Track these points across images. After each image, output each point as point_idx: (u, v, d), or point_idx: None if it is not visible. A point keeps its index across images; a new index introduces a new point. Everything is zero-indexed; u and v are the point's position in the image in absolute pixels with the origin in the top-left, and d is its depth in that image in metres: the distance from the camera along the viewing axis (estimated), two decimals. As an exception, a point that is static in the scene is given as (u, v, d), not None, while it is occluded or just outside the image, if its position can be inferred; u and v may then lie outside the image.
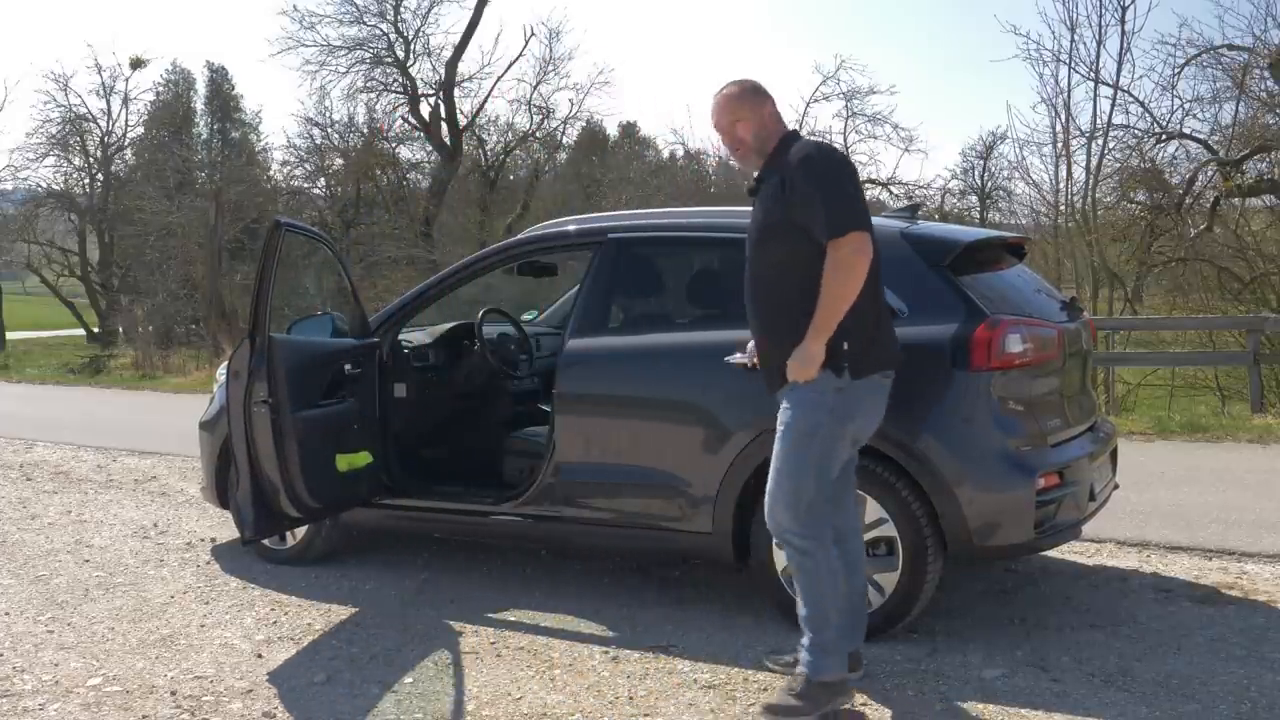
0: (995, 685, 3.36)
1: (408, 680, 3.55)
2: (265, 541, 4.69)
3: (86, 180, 32.30)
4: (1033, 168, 35.31)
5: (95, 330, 31.23)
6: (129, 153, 32.93)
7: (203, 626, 4.13)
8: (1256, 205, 16.18)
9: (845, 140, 22.63)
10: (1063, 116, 16.99)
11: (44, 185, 31.42)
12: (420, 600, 4.41)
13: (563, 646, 3.83)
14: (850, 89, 22.26)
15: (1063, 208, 17.54)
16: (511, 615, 4.18)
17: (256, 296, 4.05)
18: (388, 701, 3.38)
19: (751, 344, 3.57)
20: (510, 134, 24.93)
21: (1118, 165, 16.76)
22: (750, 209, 3.40)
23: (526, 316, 5.94)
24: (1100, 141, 16.65)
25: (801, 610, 3.17)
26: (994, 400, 3.61)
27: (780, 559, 3.80)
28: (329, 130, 24.99)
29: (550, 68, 23.89)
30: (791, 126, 3.32)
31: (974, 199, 31.09)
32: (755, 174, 3.29)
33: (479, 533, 4.69)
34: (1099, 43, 16.52)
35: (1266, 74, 15.36)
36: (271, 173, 29.52)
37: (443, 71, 23.24)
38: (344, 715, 3.29)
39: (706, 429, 3.92)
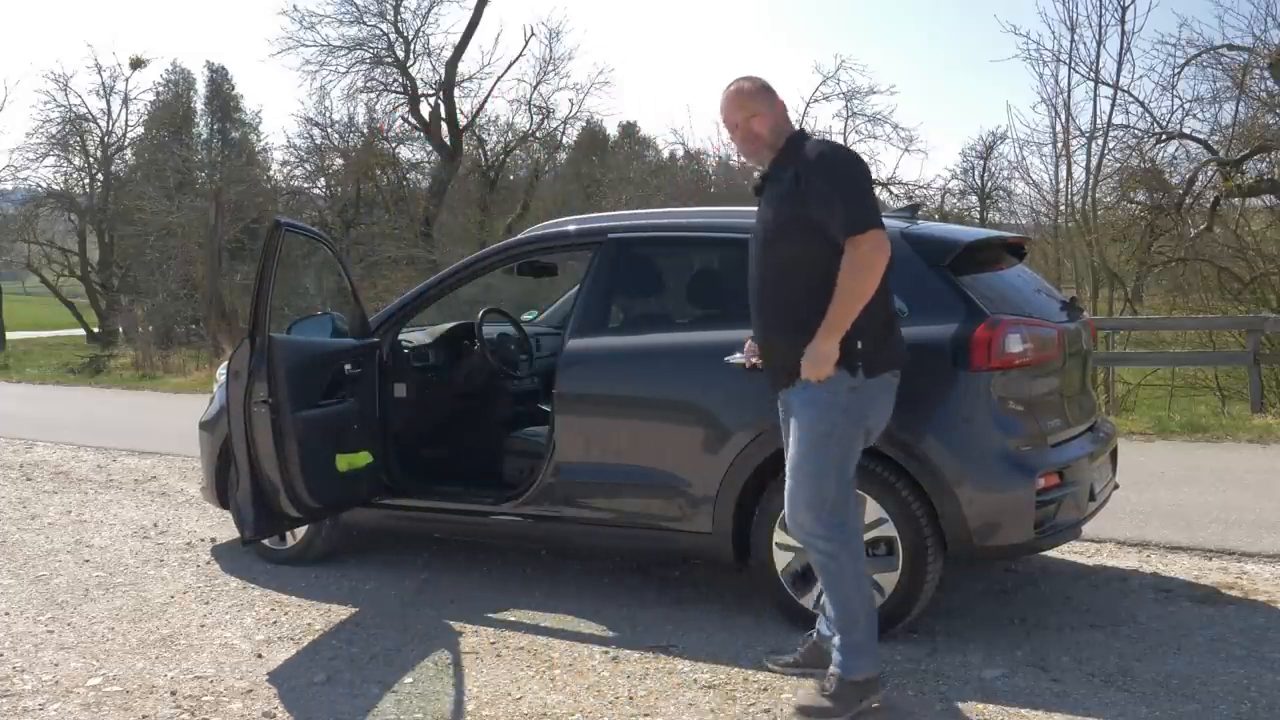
0: (995, 685, 3.36)
1: (408, 680, 3.55)
2: (265, 541, 4.69)
3: (86, 180, 32.32)
4: (1033, 168, 35.36)
5: (95, 330, 31.23)
6: (129, 153, 32.95)
7: (203, 626, 4.13)
8: (1256, 205, 16.19)
9: (845, 140, 22.61)
10: (1063, 116, 17.02)
11: (44, 185, 31.48)
12: (420, 600, 4.41)
13: (563, 646, 3.83)
14: (850, 89, 22.29)
15: (1063, 208, 17.56)
16: (511, 615, 4.18)
17: (256, 296, 4.05)
18: (388, 701, 3.38)
19: (750, 343, 3.57)
20: (510, 134, 24.96)
21: (1118, 165, 16.78)
22: (750, 208, 3.40)
23: (526, 316, 5.94)
24: (1100, 141, 16.67)
25: (829, 610, 3.19)
26: (994, 400, 3.61)
27: (780, 559, 3.81)
28: (329, 130, 25.03)
29: (550, 68, 23.92)
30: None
31: (974, 199, 31.12)
32: (761, 171, 3.28)
33: (479, 533, 4.69)
34: (1099, 43, 16.54)
35: (1266, 74, 15.35)
36: (271, 173, 29.56)
37: (443, 71, 23.26)
38: (344, 715, 3.29)
39: (706, 429, 3.92)
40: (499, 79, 24.13)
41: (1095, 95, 16.72)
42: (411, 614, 4.23)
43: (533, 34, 24.64)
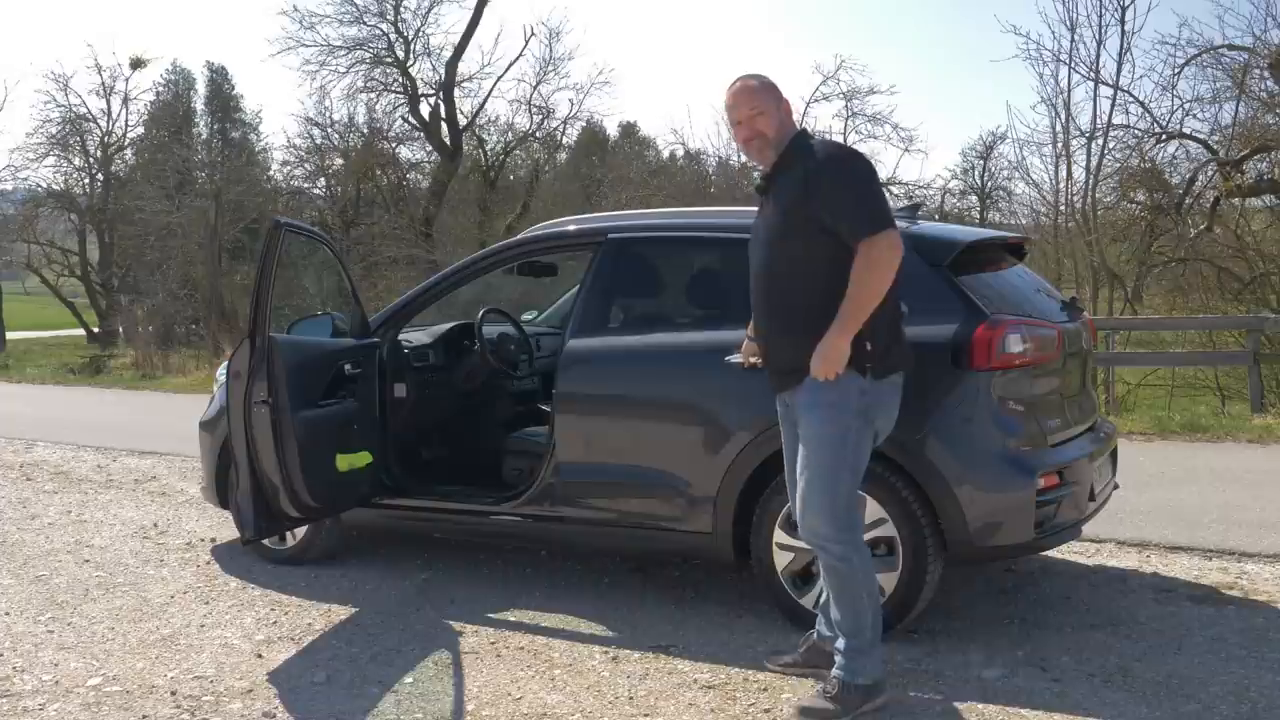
0: (995, 685, 3.36)
1: (408, 680, 3.55)
2: (265, 541, 4.69)
3: (86, 180, 32.30)
4: (1033, 168, 35.35)
5: (95, 330, 31.22)
6: (129, 153, 32.94)
7: (203, 626, 4.13)
8: (1256, 205, 16.18)
9: (845, 140, 22.61)
10: (1063, 116, 17.01)
11: (44, 185, 31.45)
12: (420, 600, 4.41)
13: (563, 646, 3.83)
14: (850, 89, 22.21)
15: (1063, 208, 17.56)
16: (511, 615, 4.18)
17: (256, 296, 4.06)
18: (388, 701, 3.38)
19: (747, 343, 3.57)
20: (510, 134, 24.93)
21: (1118, 165, 16.77)
22: (750, 208, 3.39)
23: (526, 316, 5.94)
24: (1100, 141, 16.66)
25: (835, 615, 3.19)
26: (994, 400, 3.61)
27: (781, 559, 3.81)
28: (329, 130, 25.00)
29: (550, 68, 23.87)
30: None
31: (974, 199, 31.11)
32: (764, 171, 3.26)
33: (479, 533, 4.69)
34: (1099, 43, 16.53)
35: (1266, 74, 15.35)
36: (271, 173, 29.55)
37: (443, 71, 23.22)
38: (344, 715, 3.29)
39: (706, 429, 3.92)
40: (499, 79, 24.15)
41: (1095, 95, 16.74)
42: (411, 614, 4.23)
43: (533, 34, 24.56)
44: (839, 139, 21.96)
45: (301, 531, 4.82)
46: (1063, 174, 17.34)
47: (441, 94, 23.18)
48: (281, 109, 72.65)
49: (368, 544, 5.11)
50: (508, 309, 5.45)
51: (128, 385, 15.82)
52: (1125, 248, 16.90)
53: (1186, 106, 16.30)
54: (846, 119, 22.39)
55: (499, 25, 60.57)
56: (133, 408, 12.56)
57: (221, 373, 5.14)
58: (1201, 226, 15.66)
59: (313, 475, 4.17)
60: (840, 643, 3.16)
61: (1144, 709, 3.16)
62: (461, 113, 23.51)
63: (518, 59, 31.37)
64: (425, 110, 23.59)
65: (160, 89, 34.27)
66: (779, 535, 3.78)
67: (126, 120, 32.54)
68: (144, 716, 3.30)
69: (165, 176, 26.58)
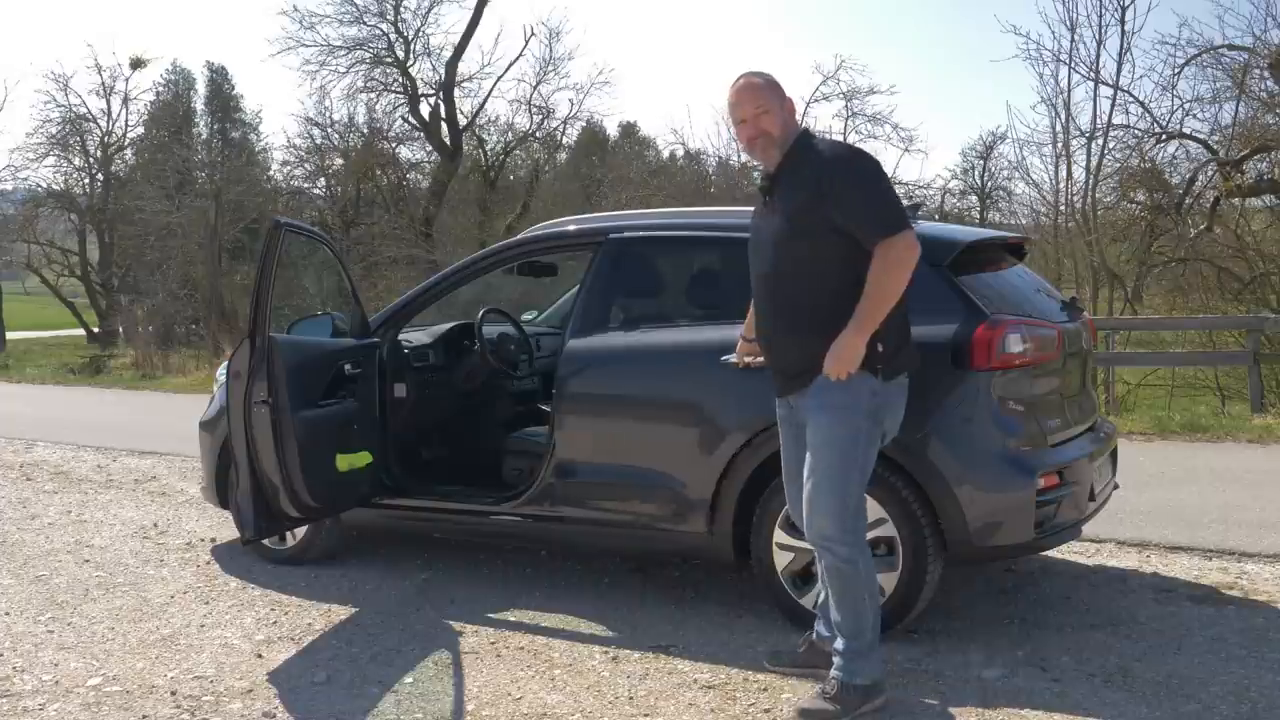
0: (995, 685, 3.36)
1: (408, 680, 3.55)
2: (265, 541, 4.69)
3: (86, 180, 32.31)
4: (1033, 168, 35.31)
5: (95, 330, 31.23)
6: (129, 153, 32.94)
7: (203, 626, 4.13)
8: (1256, 205, 16.18)
9: (845, 141, 22.60)
10: (1063, 116, 17.00)
11: (44, 185, 31.46)
12: (420, 600, 4.41)
13: (563, 646, 3.83)
14: (850, 89, 22.19)
15: (1063, 208, 17.55)
16: (511, 615, 4.18)
17: (256, 296, 4.06)
18: (388, 701, 3.38)
19: (743, 343, 3.57)
20: (510, 134, 24.93)
21: (1118, 165, 16.76)
22: (748, 208, 3.37)
23: (526, 316, 5.94)
24: (1100, 141, 16.65)
25: (835, 616, 3.18)
26: (994, 400, 3.61)
27: (781, 559, 3.81)
28: (329, 130, 25.00)
29: (550, 68, 23.88)
30: None
31: (974, 199, 31.13)
32: (767, 170, 3.20)
33: (479, 533, 4.69)
34: (1099, 43, 16.51)
35: (1266, 74, 15.35)
36: (271, 173, 29.55)
37: (443, 71, 23.23)
38: (344, 715, 3.29)
39: (707, 429, 3.92)
40: (499, 79, 24.16)
41: (1095, 95, 16.73)
42: (411, 614, 4.23)
43: (533, 34, 24.57)
44: (839, 139, 21.98)
45: (301, 531, 4.82)
46: (1063, 174, 17.35)
47: (441, 94, 23.18)
48: (281, 109, 72.74)
49: (368, 544, 5.11)
50: (508, 309, 5.45)
51: (128, 385, 15.82)
52: (1125, 248, 16.89)
53: (1186, 106, 16.32)
54: (846, 119, 22.39)
55: (499, 25, 60.70)
56: (133, 408, 12.56)
57: (221, 373, 5.14)
58: (1201, 226, 15.66)
59: (313, 475, 4.17)
60: (840, 643, 3.16)
61: (1144, 709, 3.16)
62: (461, 113, 23.54)
63: (518, 59, 31.48)
64: (425, 110, 23.61)
65: (160, 89, 34.33)
66: (779, 535, 3.78)
67: (126, 120, 32.61)
68: (144, 716, 3.30)
69: (165, 176, 26.59)
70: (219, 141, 34.56)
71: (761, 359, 3.50)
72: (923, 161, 79.56)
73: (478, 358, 5.01)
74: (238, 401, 4.08)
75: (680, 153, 25.56)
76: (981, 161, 31.32)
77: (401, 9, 23.17)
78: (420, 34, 23.47)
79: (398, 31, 23.27)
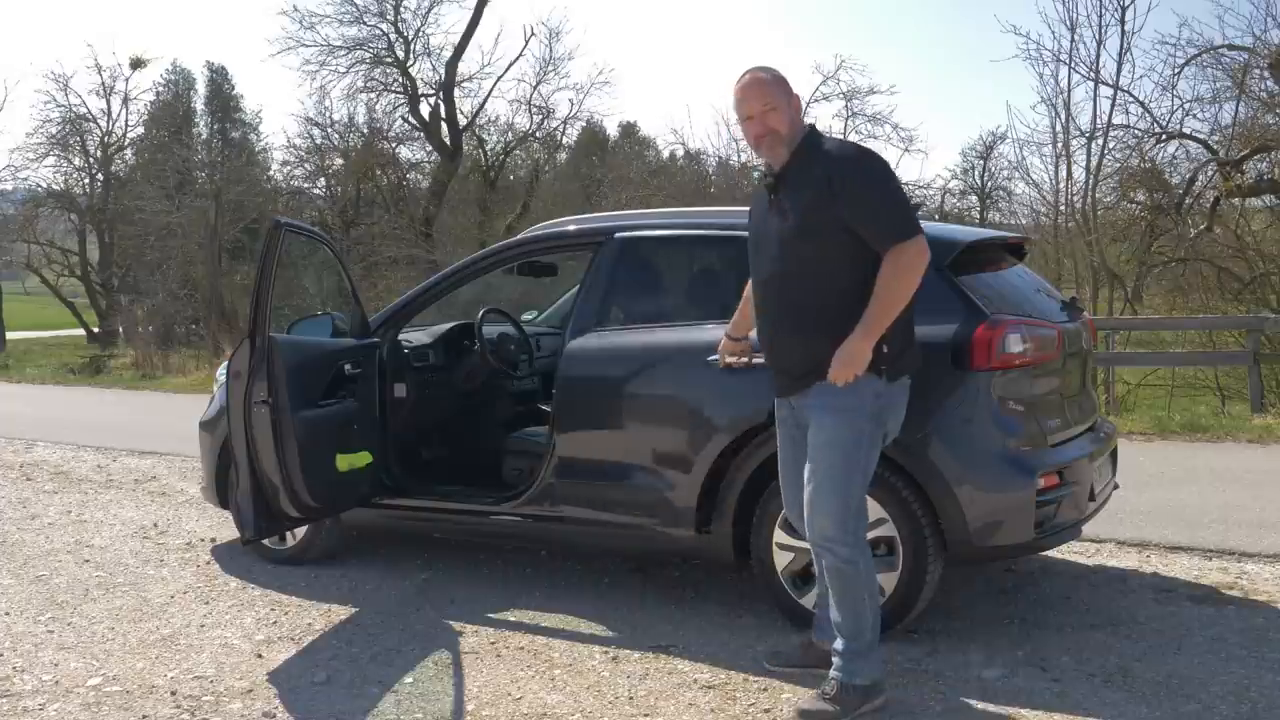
0: (995, 685, 3.36)
1: (408, 680, 3.55)
2: (265, 541, 4.69)
3: (86, 180, 32.30)
4: (1033, 168, 35.27)
5: (95, 330, 31.23)
6: (129, 153, 32.94)
7: (203, 626, 4.13)
8: (1256, 205, 16.17)
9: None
10: (1063, 116, 16.97)
11: (44, 185, 31.45)
12: (420, 600, 4.40)
13: (563, 646, 3.83)
14: (850, 89, 22.15)
15: (1063, 208, 17.53)
16: (511, 615, 4.18)
17: (256, 296, 4.06)
18: (388, 701, 3.38)
19: (728, 342, 3.56)
20: (510, 134, 24.92)
21: (1118, 165, 16.75)
22: (745, 208, 3.36)
23: (526, 316, 5.94)
24: (1100, 141, 16.63)
25: (835, 616, 3.18)
26: (994, 400, 3.61)
27: (780, 559, 3.81)
28: (329, 130, 25.00)
29: (550, 68, 23.87)
30: None
31: (974, 199, 31.15)
32: (771, 169, 3.15)
33: (479, 533, 4.69)
34: (1099, 43, 16.48)
35: (1266, 74, 15.35)
36: (271, 173, 29.54)
37: (443, 71, 23.22)
38: (344, 715, 3.29)
39: (707, 429, 3.91)
40: (499, 79, 24.13)
41: (1095, 95, 16.70)
42: (411, 614, 4.23)
43: (533, 34, 24.56)
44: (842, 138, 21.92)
45: (301, 531, 4.82)
46: (1063, 174, 17.33)
47: (441, 94, 23.18)
48: (281, 109, 72.72)
49: (368, 544, 5.11)
50: (508, 309, 5.45)
51: (128, 385, 15.82)
52: (1125, 248, 16.89)
53: (1186, 106, 16.31)
54: (846, 119, 22.35)
55: (499, 25, 60.64)
56: (133, 408, 12.56)
57: (221, 373, 5.14)
58: (1201, 226, 15.66)
59: (313, 475, 4.17)
60: (839, 644, 3.15)
61: (1144, 709, 3.16)
62: (461, 113, 23.54)
63: (518, 59, 31.46)
64: (425, 110, 23.61)
65: (160, 89, 34.33)
66: (779, 535, 3.78)
67: (126, 120, 32.61)
68: (144, 716, 3.30)
69: (165, 176, 26.58)
70: (219, 141, 34.56)
71: (745, 359, 3.50)
72: (923, 161, 79.32)
73: (478, 358, 5.01)
74: (238, 401, 4.08)
75: (680, 153, 25.57)
76: (981, 161, 31.38)
77: (401, 9, 23.19)
78: (420, 34, 23.49)
79: (398, 31, 23.28)
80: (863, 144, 3.32)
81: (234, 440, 4.15)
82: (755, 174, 3.32)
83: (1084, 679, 3.39)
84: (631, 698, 3.36)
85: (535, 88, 23.99)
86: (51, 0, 67.51)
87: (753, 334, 3.49)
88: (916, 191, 22.58)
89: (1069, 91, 16.79)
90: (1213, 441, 8.10)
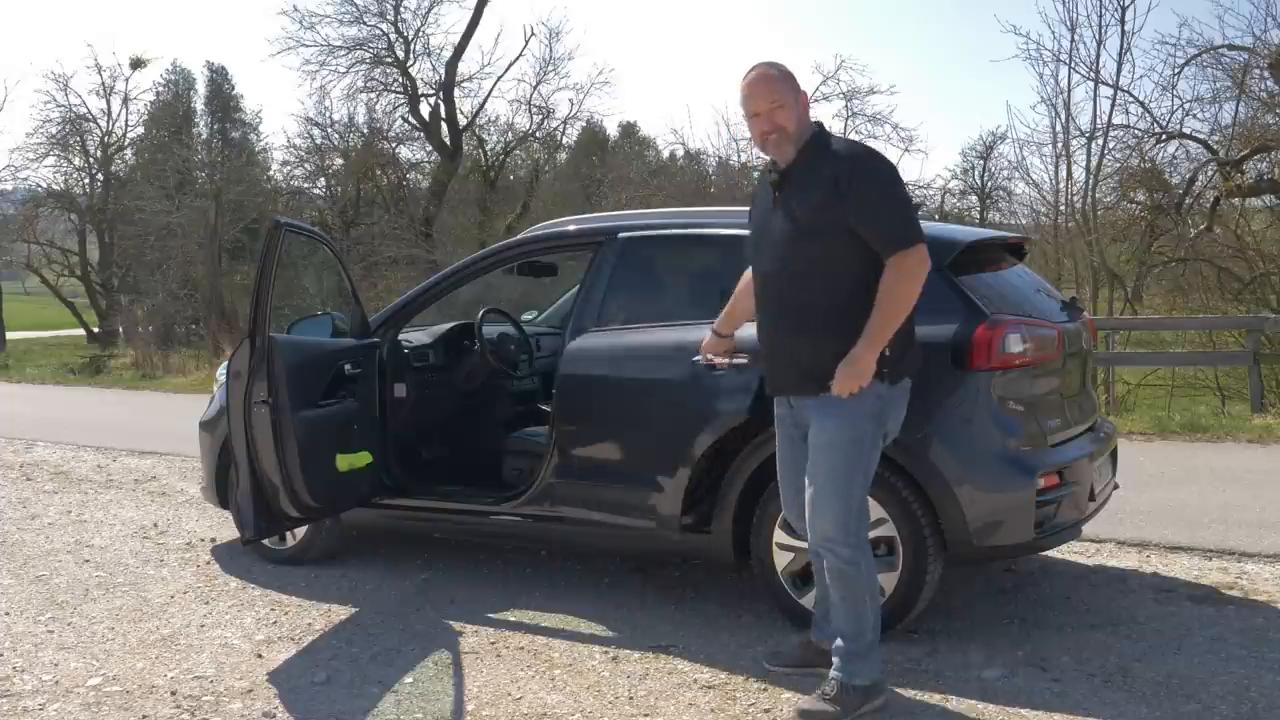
0: (995, 685, 3.36)
1: (408, 680, 3.55)
2: (265, 541, 4.69)
3: (86, 180, 32.30)
4: (1033, 168, 35.29)
5: (95, 330, 31.23)
6: (129, 153, 32.93)
7: (203, 626, 4.13)
8: (1256, 205, 16.17)
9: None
10: (1063, 116, 16.97)
11: (44, 185, 31.45)
12: (420, 600, 4.40)
13: (563, 646, 3.83)
14: (850, 89, 22.10)
15: (1063, 208, 17.53)
16: (511, 615, 4.18)
17: (256, 296, 4.06)
18: (388, 701, 3.38)
19: (714, 339, 3.56)
20: (510, 134, 24.92)
21: (1118, 165, 16.75)
22: (745, 208, 3.35)
23: (526, 316, 5.94)
24: (1100, 141, 16.63)
25: (835, 616, 3.18)
26: (994, 400, 3.61)
27: (781, 559, 3.81)
28: (329, 130, 25.00)
29: (550, 68, 23.86)
30: None
31: (974, 199, 31.15)
32: (776, 166, 3.12)
33: (479, 533, 4.69)
34: (1099, 43, 16.48)
35: (1266, 74, 15.34)
36: (271, 173, 29.54)
37: (443, 71, 23.22)
38: (344, 715, 3.30)
39: (707, 429, 3.91)
40: (499, 79, 24.13)
41: (1095, 95, 16.69)
42: (411, 614, 4.23)
43: (533, 34, 24.55)
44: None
45: (301, 531, 4.82)
46: (1063, 174, 17.32)
47: (441, 94, 23.18)
48: (281, 109, 72.74)
49: (368, 544, 5.11)
50: (508, 309, 5.45)
51: (128, 385, 15.82)
52: (1125, 248, 16.89)
53: (1186, 106, 16.31)
54: (846, 119, 22.30)
55: (499, 25, 60.67)
56: (133, 408, 12.56)
57: (221, 373, 5.14)
58: (1201, 226, 15.66)
59: (313, 475, 4.17)
60: (840, 644, 3.15)
61: (1144, 709, 3.16)
62: (461, 113, 23.53)
63: (518, 59, 31.46)
64: (425, 110, 23.61)
65: (160, 89, 34.33)
66: (779, 535, 3.78)
67: (126, 120, 32.60)
68: (144, 716, 3.30)
69: (165, 176, 26.58)
70: (219, 141, 34.56)
71: (730, 360, 3.50)
72: (923, 161, 79.15)
73: (478, 358, 5.01)
74: (238, 401, 4.08)
75: (680, 153, 25.55)
76: (981, 161, 31.38)
77: (401, 9, 23.19)
78: (420, 34, 23.49)
79: (398, 31, 23.28)
80: (870, 146, 3.30)
81: (234, 440, 4.15)
82: (756, 173, 3.31)
83: (1084, 679, 3.39)
84: (631, 698, 3.36)
85: (535, 88, 24.01)
86: (51, 0, 67.58)
87: (744, 330, 3.50)
88: (917, 191, 22.58)
89: (1069, 91, 16.80)
90: (1213, 441, 8.10)
